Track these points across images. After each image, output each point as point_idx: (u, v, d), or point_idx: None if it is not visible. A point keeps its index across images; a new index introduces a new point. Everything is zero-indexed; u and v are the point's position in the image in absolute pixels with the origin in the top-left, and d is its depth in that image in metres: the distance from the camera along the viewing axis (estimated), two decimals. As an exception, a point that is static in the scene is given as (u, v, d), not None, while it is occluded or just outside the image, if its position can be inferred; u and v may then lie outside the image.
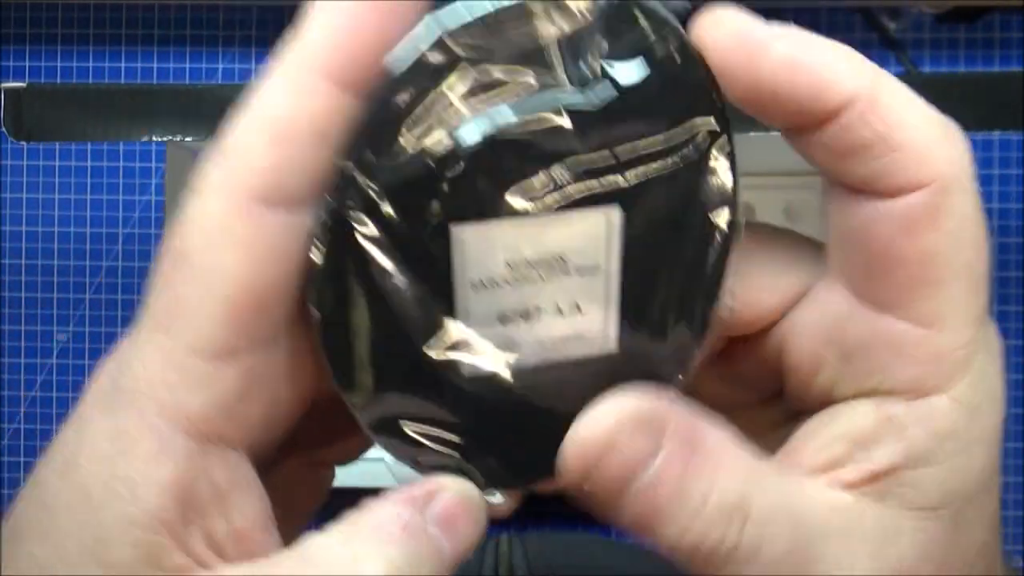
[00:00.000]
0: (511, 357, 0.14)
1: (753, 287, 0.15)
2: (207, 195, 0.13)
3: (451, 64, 0.12)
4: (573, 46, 0.13)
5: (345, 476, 0.30)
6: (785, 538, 0.14)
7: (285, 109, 0.13)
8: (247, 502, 0.14)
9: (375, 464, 0.33)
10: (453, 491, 0.15)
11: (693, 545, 0.14)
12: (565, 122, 0.13)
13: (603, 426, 0.14)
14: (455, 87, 0.12)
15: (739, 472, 0.14)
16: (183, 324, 0.13)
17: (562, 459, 0.14)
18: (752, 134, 0.34)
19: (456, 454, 0.15)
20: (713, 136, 0.15)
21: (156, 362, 0.13)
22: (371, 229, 0.13)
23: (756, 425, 0.16)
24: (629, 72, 0.13)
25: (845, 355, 0.14)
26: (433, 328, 0.14)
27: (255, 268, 0.13)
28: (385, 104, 0.12)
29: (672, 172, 0.14)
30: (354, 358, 0.14)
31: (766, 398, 0.17)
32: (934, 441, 0.14)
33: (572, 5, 0.13)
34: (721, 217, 0.15)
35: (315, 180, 0.13)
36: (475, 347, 0.14)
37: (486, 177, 0.13)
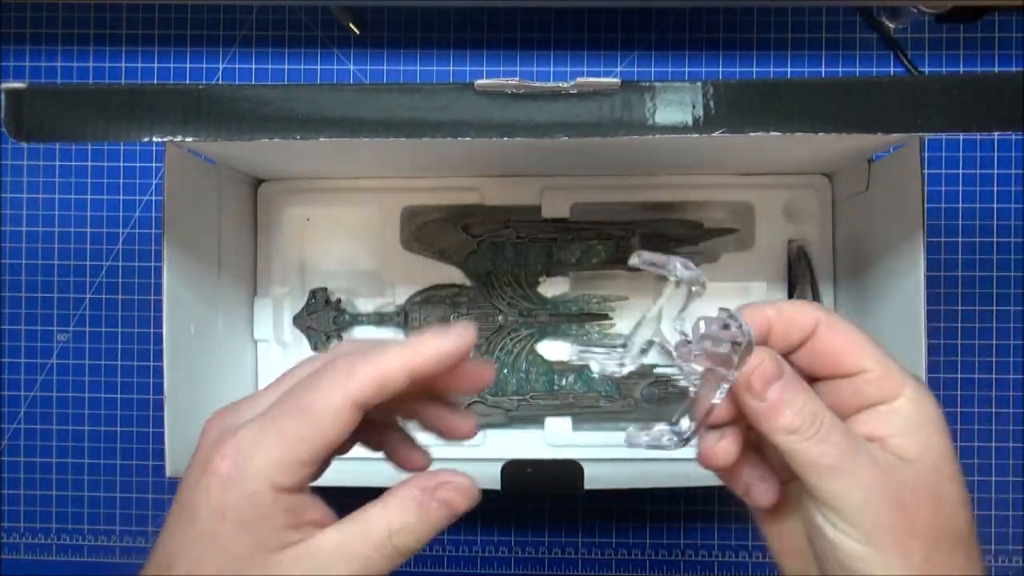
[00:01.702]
0: None
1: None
2: (338, 386, 0.27)
3: None
4: None
5: (346, 476, 0.34)
6: (839, 435, 0.27)
7: (382, 378, 0.27)
8: (319, 505, 0.28)
9: (376, 464, 0.33)
10: (454, 483, 0.28)
11: (794, 427, 0.26)
12: None
13: (760, 356, 0.27)
14: None
15: (817, 401, 0.27)
16: (301, 449, 0.27)
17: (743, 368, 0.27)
18: (752, 134, 0.35)
19: None
20: None
21: (276, 464, 0.27)
22: None
23: None
24: None
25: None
26: None
27: (344, 431, 0.27)
28: None
29: None
30: None
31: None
32: (901, 419, 0.27)
33: None
34: None
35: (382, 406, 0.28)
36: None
37: None
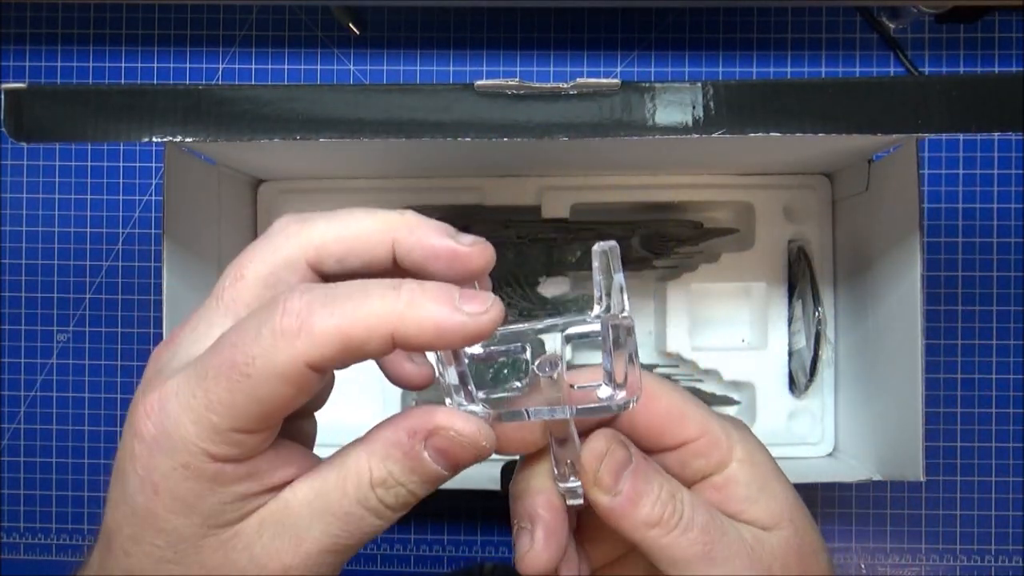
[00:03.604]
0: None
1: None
2: (286, 342, 0.20)
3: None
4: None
5: None
6: (703, 518, 0.24)
7: (350, 340, 0.20)
8: (289, 455, 0.22)
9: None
10: (453, 432, 0.22)
11: (655, 520, 0.23)
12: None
13: (603, 440, 0.24)
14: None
15: (669, 479, 0.24)
16: (235, 418, 0.20)
17: (584, 460, 0.24)
18: (752, 134, 0.35)
19: None
20: None
21: (206, 433, 0.20)
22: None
23: None
24: None
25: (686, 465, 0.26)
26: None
27: (296, 396, 0.20)
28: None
29: None
30: None
31: None
32: (742, 487, 0.25)
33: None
34: None
35: (336, 365, 0.21)
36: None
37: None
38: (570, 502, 0.24)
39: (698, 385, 0.51)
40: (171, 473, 0.21)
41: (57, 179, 0.55)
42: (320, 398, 0.26)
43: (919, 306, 0.40)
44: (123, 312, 0.54)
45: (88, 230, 0.55)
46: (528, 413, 0.23)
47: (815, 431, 0.51)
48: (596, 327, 0.23)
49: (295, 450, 0.22)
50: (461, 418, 0.22)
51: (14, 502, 0.55)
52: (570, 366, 0.24)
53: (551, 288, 0.51)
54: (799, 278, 0.51)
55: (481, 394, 0.23)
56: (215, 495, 0.21)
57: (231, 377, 0.20)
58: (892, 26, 0.54)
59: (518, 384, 0.24)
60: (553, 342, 0.24)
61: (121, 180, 0.55)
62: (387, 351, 0.20)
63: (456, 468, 0.22)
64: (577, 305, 0.51)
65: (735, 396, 0.51)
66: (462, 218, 0.51)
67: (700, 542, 0.23)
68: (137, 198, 0.55)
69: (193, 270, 0.43)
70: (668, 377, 0.51)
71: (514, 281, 0.51)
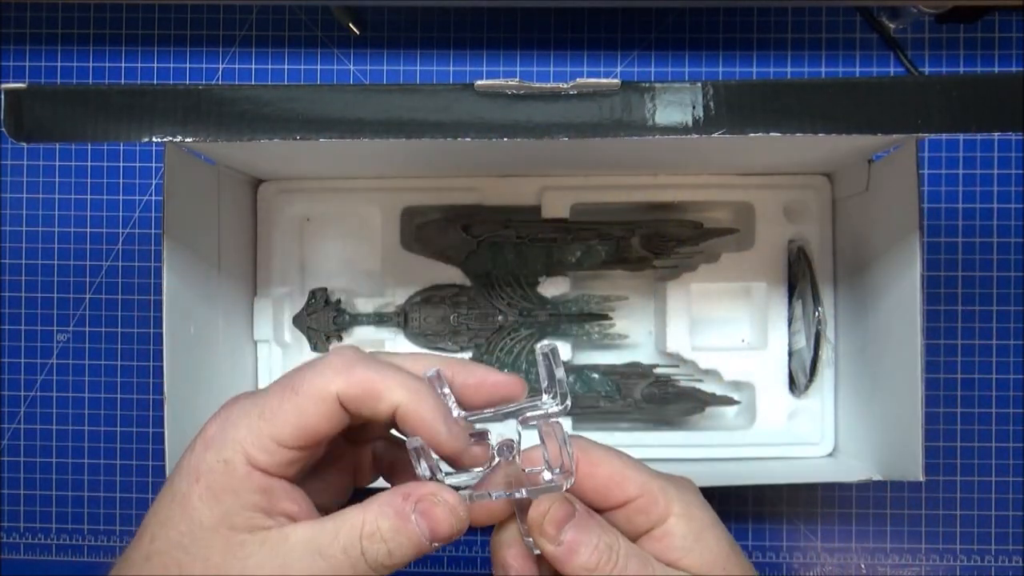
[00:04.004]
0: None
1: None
2: (328, 377, 0.26)
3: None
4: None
5: None
6: (636, 564, 0.27)
7: (373, 391, 0.27)
8: (300, 499, 0.27)
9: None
10: (439, 498, 0.27)
11: (592, 565, 0.27)
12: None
13: (544, 504, 0.28)
14: None
15: (610, 532, 0.28)
16: (278, 425, 0.26)
17: (530, 516, 0.28)
18: (752, 134, 0.35)
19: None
20: None
21: (253, 436, 0.26)
22: None
23: None
24: None
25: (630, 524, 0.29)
26: None
27: (326, 423, 0.26)
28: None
29: None
30: None
31: None
32: (678, 539, 0.28)
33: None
34: None
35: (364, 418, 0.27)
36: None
37: None
38: (536, 551, 0.29)
39: (698, 385, 0.51)
40: (214, 465, 0.26)
41: (57, 179, 0.55)
42: (341, 489, 0.31)
43: (919, 306, 0.40)
44: (123, 312, 0.54)
45: (88, 230, 0.55)
46: (491, 495, 0.28)
47: (815, 431, 0.51)
48: (543, 414, 0.29)
49: (305, 499, 0.27)
50: (447, 490, 0.27)
51: (14, 502, 0.55)
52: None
53: (551, 288, 0.51)
54: (799, 278, 0.51)
55: (449, 481, 0.28)
56: (237, 496, 0.26)
57: (283, 393, 0.26)
58: (892, 26, 0.54)
59: (479, 469, 0.28)
60: (508, 427, 0.29)
61: (121, 180, 0.55)
62: (389, 417, 0.27)
63: (436, 535, 0.27)
64: (577, 305, 0.51)
65: (735, 396, 0.51)
66: (462, 218, 0.51)
67: None
68: (137, 198, 0.55)
69: (193, 270, 0.43)
70: (668, 377, 0.51)
71: (514, 281, 0.51)
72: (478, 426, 0.29)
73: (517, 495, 0.28)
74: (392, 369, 0.27)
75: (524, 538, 0.29)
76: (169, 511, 0.26)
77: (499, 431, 0.29)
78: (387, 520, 0.26)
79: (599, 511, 0.29)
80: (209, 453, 0.26)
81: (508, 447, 0.28)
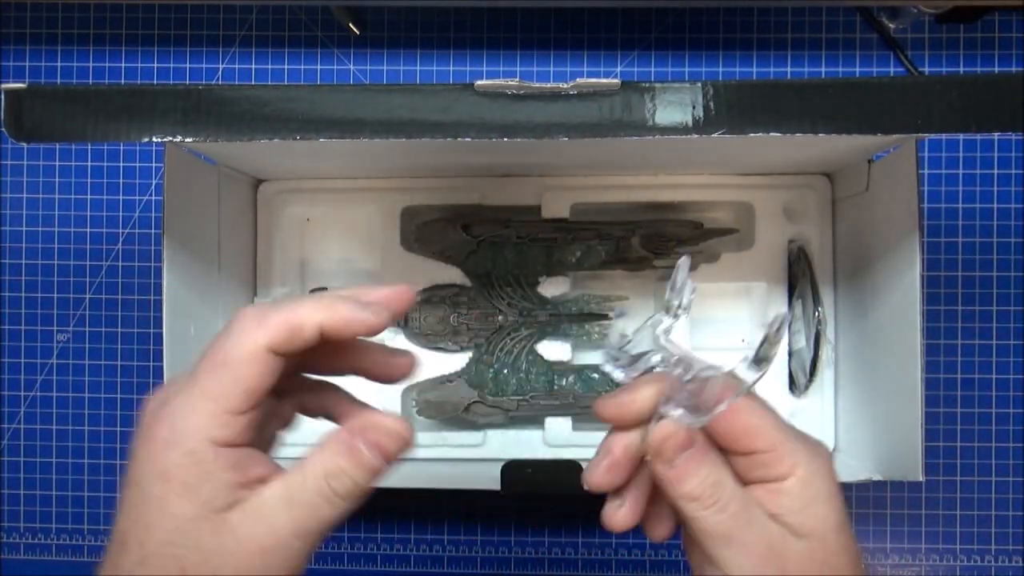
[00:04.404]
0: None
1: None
2: (248, 334, 0.27)
3: None
4: None
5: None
6: (737, 507, 0.28)
7: (292, 326, 0.27)
8: (263, 460, 0.28)
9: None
10: (380, 426, 0.28)
11: (696, 495, 0.28)
12: None
13: (669, 429, 0.29)
14: None
15: (721, 470, 0.29)
16: (226, 397, 0.27)
17: (652, 436, 0.29)
18: (752, 134, 0.35)
19: None
20: None
21: (207, 419, 0.27)
22: None
23: None
24: None
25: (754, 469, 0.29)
26: None
27: (268, 375, 0.27)
28: None
29: None
30: None
31: None
32: (789, 499, 0.29)
33: None
34: None
35: (295, 349, 0.27)
36: None
37: None
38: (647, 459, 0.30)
39: (698, 385, 0.51)
40: (180, 461, 0.26)
41: (57, 179, 0.55)
42: (277, 429, 0.32)
43: (918, 306, 0.40)
44: (123, 312, 0.54)
45: (88, 230, 0.55)
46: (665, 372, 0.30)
47: (815, 431, 0.51)
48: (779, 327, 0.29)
49: (259, 454, 0.28)
50: (388, 418, 0.29)
51: (14, 502, 0.55)
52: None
53: (551, 288, 0.51)
54: (799, 278, 0.51)
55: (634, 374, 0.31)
56: (212, 480, 0.26)
57: (214, 369, 0.27)
58: (892, 26, 0.54)
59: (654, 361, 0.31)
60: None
61: (121, 180, 0.55)
62: (317, 338, 0.27)
63: (387, 456, 0.28)
64: (577, 305, 0.51)
65: (735, 396, 0.51)
66: (462, 218, 0.51)
67: (725, 525, 0.28)
68: (137, 198, 0.55)
69: (193, 270, 0.43)
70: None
71: (514, 281, 0.51)
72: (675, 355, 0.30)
73: (685, 376, 0.29)
74: (294, 302, 0.28)
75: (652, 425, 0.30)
76: (149, 515, 0.27)
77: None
78: (342, 458, 0.28)
79: (723, 451, 0.30)
80: (171, 452, 0.27)
81: (678, 363, 0.30)
